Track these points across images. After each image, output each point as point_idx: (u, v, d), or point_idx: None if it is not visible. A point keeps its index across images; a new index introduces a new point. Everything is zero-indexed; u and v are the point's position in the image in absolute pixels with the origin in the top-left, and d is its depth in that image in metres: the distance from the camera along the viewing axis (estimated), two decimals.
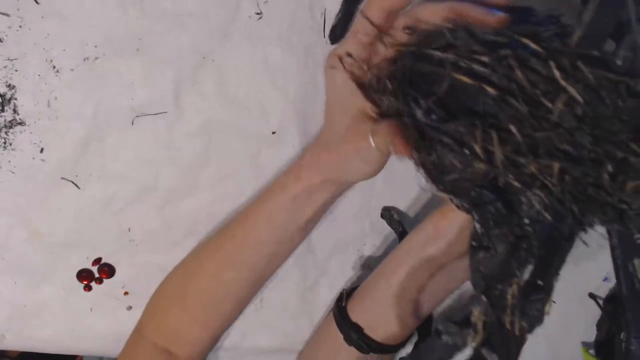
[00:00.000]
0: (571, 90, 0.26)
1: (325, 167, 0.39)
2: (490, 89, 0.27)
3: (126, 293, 0.48)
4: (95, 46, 0.44)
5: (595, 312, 0.56)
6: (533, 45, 0.27)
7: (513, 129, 0.27)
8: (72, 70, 0.44)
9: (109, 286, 0.48)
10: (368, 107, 0.36)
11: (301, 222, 0.42)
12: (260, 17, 0.44)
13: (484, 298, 0.29)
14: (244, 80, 0.45)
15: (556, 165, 0.27)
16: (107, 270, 0.48)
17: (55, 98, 0.44)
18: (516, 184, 0.28)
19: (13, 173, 0.45)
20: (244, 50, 0.45)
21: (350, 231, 0.50)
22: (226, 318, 0.46)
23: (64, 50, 0.43)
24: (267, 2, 0.44)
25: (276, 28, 0.45)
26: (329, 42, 0.45)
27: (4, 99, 0.44)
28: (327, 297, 0.50)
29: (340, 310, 0.43)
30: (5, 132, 0.44)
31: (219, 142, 0.46)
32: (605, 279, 0.55)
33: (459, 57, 0.28)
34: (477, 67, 0.28)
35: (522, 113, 0.27)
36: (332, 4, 0.44)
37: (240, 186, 0.47)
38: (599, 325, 0.56)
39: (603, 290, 0.55)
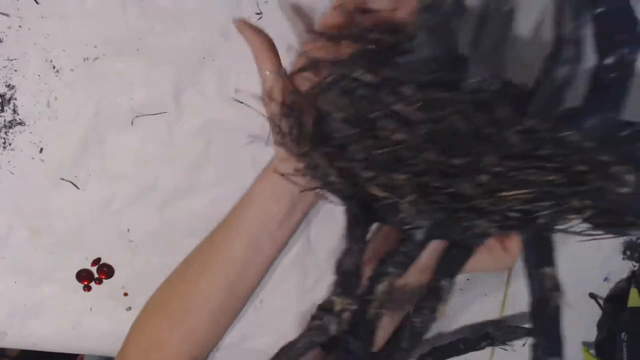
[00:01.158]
0: (403, 110, 0.29)
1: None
2: (338, 116, 0.31)
3: (126, 294, 0.48)
4: (95, 46, 0.44)
5: (595, 312, 0.56)
6: (364, 76, 0.30)
7: (353, 147, 0.31)
8: (72, 70, 0.44)
9: (109, 287, 0.48)
10: None
11: (272, 229, 0.42)
12: (260, 17, 0.44)
13: (340, 290, 0.32)
14: (244, 80, 0.45)
15: (401, 177, 0.30)
16: (106, 271, 0.48)
17: (55, 98, 0.44)
18: (380, 193, 0.31)
19: (13, 173, 0.45)
20: (244, 50, 0.45)
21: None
22: (203, 330, 0.43)
23: (64, 50, 0.43)
24: (267, 2, 0.44)
25: (276, 28, 0.45)
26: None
27: (4, 99, 0.44)
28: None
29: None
30: (5, 132, 0.44)
31: (219, 142, 0.46)
32: (606, 279, 0.55)
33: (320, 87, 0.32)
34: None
35: (357, 135, 0.31)
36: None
37: (240, 186, 0.47)
38: (599, 325, 0.56)
39: (603, 290, 0.55)
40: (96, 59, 0.44)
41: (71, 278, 0.47)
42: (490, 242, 0.38)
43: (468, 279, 0.52)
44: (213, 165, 0.47)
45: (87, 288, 0.48)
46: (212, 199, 0.47)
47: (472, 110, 0.29)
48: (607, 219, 0.33)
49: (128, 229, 0.47)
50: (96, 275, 0.48)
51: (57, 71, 0.44)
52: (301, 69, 0.35)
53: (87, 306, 0.48)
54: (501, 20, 0.28)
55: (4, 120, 0.44)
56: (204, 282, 0.43)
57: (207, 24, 0.44)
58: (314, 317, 0.33)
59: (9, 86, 0.43)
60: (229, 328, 0.46)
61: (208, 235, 0.45)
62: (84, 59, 0.44)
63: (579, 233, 0.33)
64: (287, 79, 0.36)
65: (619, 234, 0.34)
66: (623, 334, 0.52)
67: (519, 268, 0.53)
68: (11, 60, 0.43)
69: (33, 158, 0.45)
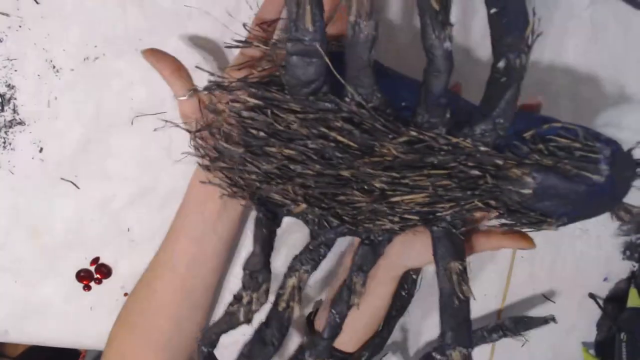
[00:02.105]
0: (282, 129, 0.32)
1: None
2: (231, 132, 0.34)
3: (125, 294, 0.48)
4: (95, 46, 0.44)
5: (595, 312, 0.56)
6: (247, 98, 0.33)
7: (249, 164, 0.34)
8: (72, 70, 0.44)
9: (108, 287, 0.48)
10: None
11: (206, 220, 0.42)
12: None
13: (245, 285, 0.36)
14: None
15: (289, 187, 0.34)
16: (104, 271, 0.48)
17: (55, 98, 0.44)
18: (277, 200, 0.36)
19: (13, 173, 0.45)
20: None
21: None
22: (167, 335, 0.43)
23: (64, 50, 0.43)
24: None
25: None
26: None
27: (4, 98, 0.44)
28: (326, 297, 0.50)
29: (308, 320, 0.48)
30: (5, 132, 0.44)
31: None
32: (605, 279, 0.55)
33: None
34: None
35: (241, 152, 0.34)
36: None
37: None
38: (599, 325, 0.56)
39: (603, 290, 0.55)
40: (96, 59, 0.44)
41: (71, 278, 0.47)
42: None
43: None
44: None
45: (87, 288, 0.48)
46: None
47: (350, 126, 0.32)
48: (516, 218, 0.35)
49: (128, 229, 0.47)
50: (96, 275, 0.48)
51: (57, 71, 0.44)
52: (207, 88, 0.37)
53: (87, 305, 0.48)
54: (363, 44, 0.29)
55: (4, 120, 0.44)
56: (159, 284, 0.43)
57: (207, 24, 0.44)
58: (228, 306, 0.37)
59: (9, 86, 0.43)
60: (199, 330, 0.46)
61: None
62: (84, 59, 0.44)
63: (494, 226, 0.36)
64: (198, 98, 0.38)
65: (534, 229, 0.36)
66: (622, 334, 0.52)
67: (519, 271, 0.54)
68: (11, 60, 0.43)
69: (33, 158, 0.45)
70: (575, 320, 0.56)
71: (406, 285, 0.46)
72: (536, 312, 0.55)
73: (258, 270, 0.36)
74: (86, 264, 0.47)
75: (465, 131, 0.32)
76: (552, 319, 0.46)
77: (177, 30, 0.44)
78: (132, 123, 0.45)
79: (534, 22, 0.28)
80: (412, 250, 0.41)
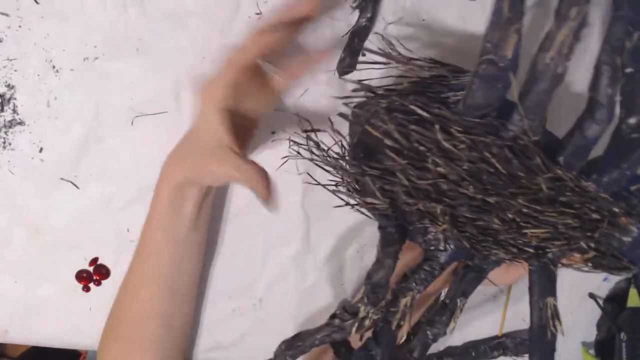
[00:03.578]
0: (451, 148, 0.32)
1: (187, 168, 0.40)
2: (389, 143, 0.34)
3: None
4: (95, 46, 0.44)
5: (595, 312, 0.56)
6: (419, 111, 0.33)
7: (400, 175, 0.34)
8: (71, 70, 0.44)
9: (108, 287, 0.48)
10: (233, 143, 0.37)
11: (186, 220, 0.41)
12: (260, 17, 0.45)
13: (366, 299, 0.35)
14: None
15: (438, 207, 0.34)
16: (103, 272, 0.48)
17: (55, 98, 0.44)
18: (416, 218, 0.36)
19: (13, 173, 0.45)
20: None
21: (350, 231, 0.50)
22: (158, 339, 0.42)
23: (63, 50, 0.43)
24: (267, 2, 0.44)
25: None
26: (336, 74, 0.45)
27: (4, 98, 0.44)
28: (326, 297, 0.50)
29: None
30: (5, 132, 0.44)
31: None
32: (605, 279, 0.55)
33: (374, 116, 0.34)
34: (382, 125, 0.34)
35: (404, 165, 0.33)
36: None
37: (240, 186, 0.47)
38: (599, 325, 0.56)
39: (603, 290, 0.55)
40: (96, 59, 0.44)
41: (70, 278, 0.47)
42: None
43: None
44: None
45: (87, 289, 0.48)
46: None
47: (510, 155, 0.32)
48: (606, 262, 0.36)
49: (128, 229, 0.47)
50: (94, 277, 0.48)
51: (57, 71, 0.44)
52: (355, 91, 0.36)
53: (86, 306, 0.48)
54: (551, 80, 0.30)
55: (4, 120, 0.44)
56: (145, 292, 0.42)
57: (207, 24, 0.44)
58: (336, 316, 0.36)
59: (9, 86, 0.43)
60: (190, 331, 0.45)
61: None
62: (84, 59, 0.44)
63: (578, 269, 0.37)
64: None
65: (611, 274, 0.38)
66: (622, 334, 0.52)
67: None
68: (11, 60, 0.43)
69: (33, 158, 0.45)
70: (575, 320, 0.56)
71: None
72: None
73: (382, 286, 0.35)
74: (86, 265, 0.47)
75: (594, 177, 0.34)
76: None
77: (177, 30, 0.44)
78: (132, 123, 0.45)
79: None
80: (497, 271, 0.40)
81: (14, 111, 0.44)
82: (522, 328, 0.56)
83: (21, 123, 0.44)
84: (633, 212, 0.34)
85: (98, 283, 0.48)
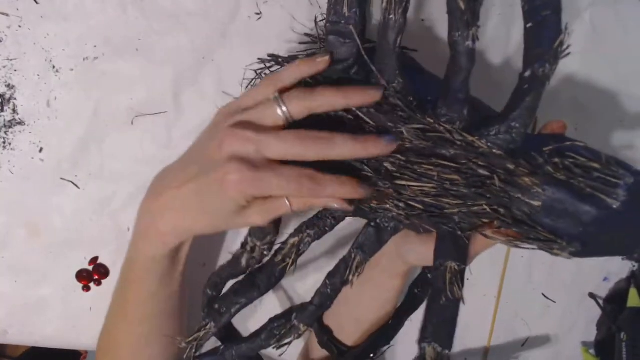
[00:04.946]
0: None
1: (203, 223, 0.36)
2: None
3: None
4: (95, 46, 0.44)
5: (595, 312, 0.56)
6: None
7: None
8: (71, 70, 0.44)
9: (108, 287, 0.48)
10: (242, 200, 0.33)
11: (179, 273, 0.41)
12: (260, 17, 0.45)
13: (253, 234, 0.39)
14: (243, 81, 0.45)
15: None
16: (102, 271, 0.48)
17: (55, 98, 0.44)
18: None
19: (13, 173, 0.45)
20: (244, 50, 0.45)
21: (349, 231, 0.50)
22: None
23: (63, 50, 0.43)
24: (266, 2, 0.44)
25: (276, 28, 0.45)
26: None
27: (4, 99, 0.44)
28: None
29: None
30: (5, 132, 0.44)
31: None
32: (605, 279, 0.55)
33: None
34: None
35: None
36: None
37: None
38: (599, 325, 0.56)
39: (603, 290, 0.55)
40: (96, 59, 0.44)
41: (71, 278, 0.47)
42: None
43: (468, 279, 0.52)
44: None
45: (87, 288, 0.48)
46: None
47: (373, 109, 0.34)
48: (524, 232, 0.34)
49: (128, 228, 0.47)
50: (94, 277, 0.48)
51: (57, 71, 0.44)
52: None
53: (86, 306, 0.48)
54: (392, 29, 0.32)
55: (4, 120, 0.44)
56: (143, 328, 0.41)
57: (207, 24, 0.44)
58: (234, 253, 0.39)
59: (9, 86, 0.43)
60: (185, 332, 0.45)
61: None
62: (84, 59, 0.44)
63: (509, 244, 0.35)
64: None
65: (542, 249, 0.34)
66: (622, 334, 0.52)
67: (519, 271, 0.54)
68: (11, 60, 0.43)
69: (33, 158, 0.45)
70: (575, 320, 0.56)
71: (420, 283, 0.45)
72: (536, 311, 0.55)
73: (263, 230, 0.38)
74: (86, 264, 0.47)
75: (482, 131, 0.33)
76: None
77: (177, 30, 0.44)
78: (132, 123, 0.45)
79: (564, 35, 0.29)
80: (414, 245, 0.41)
81: (14, 111, 0.44)
82: (520, 328, 0.56)
83: (21, 123, 0.44)
84: (538, 172, 0.32)
85: (98, 283, 0.48)
